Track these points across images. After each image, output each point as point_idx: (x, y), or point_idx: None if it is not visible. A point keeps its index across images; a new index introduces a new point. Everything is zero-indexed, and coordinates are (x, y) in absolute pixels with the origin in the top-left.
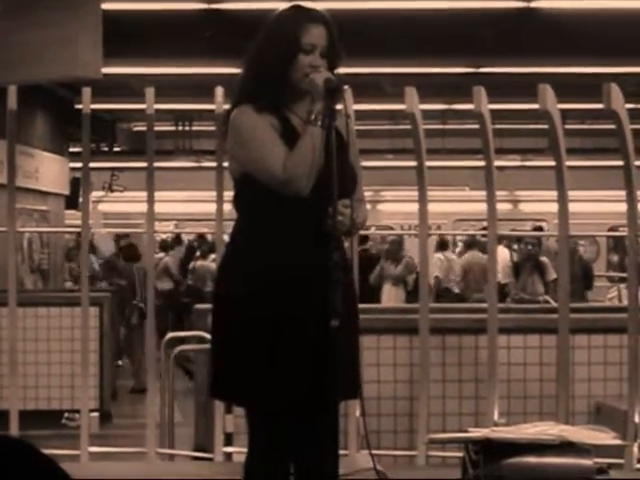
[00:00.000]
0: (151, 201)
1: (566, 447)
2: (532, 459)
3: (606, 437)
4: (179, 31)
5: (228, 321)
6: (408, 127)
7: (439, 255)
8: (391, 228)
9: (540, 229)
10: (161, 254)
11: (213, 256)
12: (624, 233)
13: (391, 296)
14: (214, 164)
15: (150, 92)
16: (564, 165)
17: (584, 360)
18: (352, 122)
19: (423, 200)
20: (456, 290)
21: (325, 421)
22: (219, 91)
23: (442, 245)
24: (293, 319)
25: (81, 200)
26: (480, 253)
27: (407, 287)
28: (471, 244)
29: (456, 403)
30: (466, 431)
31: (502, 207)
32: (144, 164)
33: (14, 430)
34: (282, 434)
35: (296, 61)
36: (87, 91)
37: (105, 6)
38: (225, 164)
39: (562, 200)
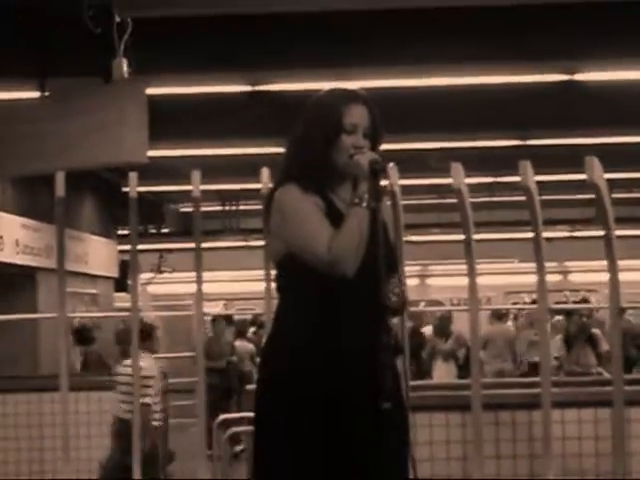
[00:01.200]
0: (199, 282)
1: None
2: None
3: None
4: (224, 113)
5: (272, 405)
6: (454, 200)
7: None
8: (440, 303)
9: (586, 301)
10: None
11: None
12: None
13: (442, 372)
14: (262, 243)
15: (196, 175)
16: (613, 235)
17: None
18: (399, 199)
19: (472, 274)
20: None
21: None
22: (265, 172)
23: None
24: (341, 403)
25: (130, 283)
26: (505, 325)
27: (458, 362)
28: (500, 316)
29: None
30: None
31: (552, 278)
32: (192, 245)
33: None
34: None
35: (339, 142)
36: (133, 176)
37: (150, 91)
38: None
39: (612, 271)
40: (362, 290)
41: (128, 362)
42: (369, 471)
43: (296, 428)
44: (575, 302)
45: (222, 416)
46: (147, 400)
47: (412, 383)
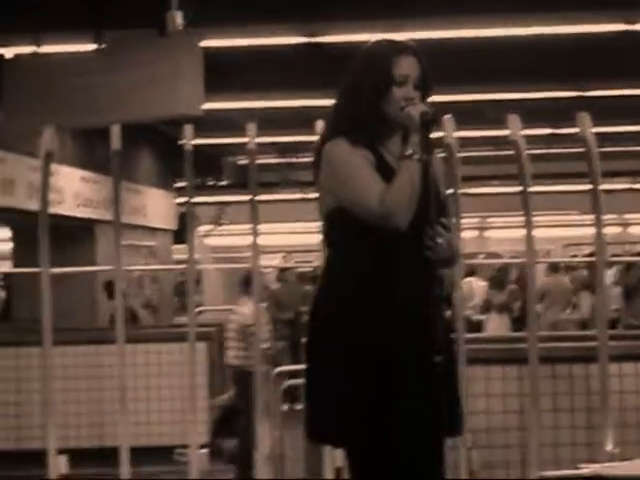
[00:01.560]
0: (255, 234)
1: None
2: None
3: None
4: (281, 65)
5: (321, 360)
6: (513, 152)
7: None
8: (499, 255)
9: None
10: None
11: None
12: None
13: (496, 324)
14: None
15: (252, 127)
16: None
17: None
18: (455, 151)
19: (529, 226)
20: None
21: (432, 460)
22: (320, 124)
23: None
24: (393, 356)
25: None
26: (562, 277)
27: (512, 314)
28: (556, 268)
29: (568, 433)
30: (577, 467)
31: (611, 230)
32: (255, 197)
33: (125, 466)
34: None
35: (389, 94)
36: (189, 128)
37: (207, 43)
38: None
39: None
40: (413, 243)
41: (237, 309)
42: (420, 424)
43: (347, 380)
44: (633, 254)
45: (279, 368)
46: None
47: (468, 336)
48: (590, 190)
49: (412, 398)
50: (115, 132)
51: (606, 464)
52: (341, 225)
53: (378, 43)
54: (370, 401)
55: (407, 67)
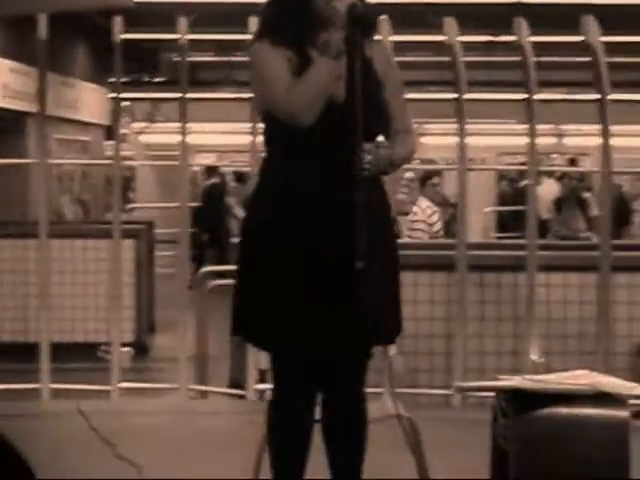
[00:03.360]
0: (184, 133)
1: (600, 397)
2: (563, 410)
3: None
4: None
5: (246, 256)
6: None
7: None
8: (434, 162)
9: (573, 162)
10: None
11: None
12: None
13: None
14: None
15: (183, 22)
16: (607, 99)
17: (625, 299)
18: (391, 55)
19: (462, 133)
20: None
21: (350, 363)
22: (253, 22)
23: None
24: (312, 258)
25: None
26: None
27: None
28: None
29: (494, 342)
30: (497, 378)
31: (547, 141)
32: (185, 95)
33: (45, 362)
34: (302, 377)
35: None
36: (118, 20)
37: None
38: None
39: (605, 135)
40: (340, 145)
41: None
42: (341, 328)
43: (271, 281)
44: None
45: (204, 269)
46: None
47: (397, 241)
48: (525, 99)
49: (333, 303)
50: (42, 21)
51: (526, 376)
52: (269, 126)
53: None
54: (291, 303)
55: None
